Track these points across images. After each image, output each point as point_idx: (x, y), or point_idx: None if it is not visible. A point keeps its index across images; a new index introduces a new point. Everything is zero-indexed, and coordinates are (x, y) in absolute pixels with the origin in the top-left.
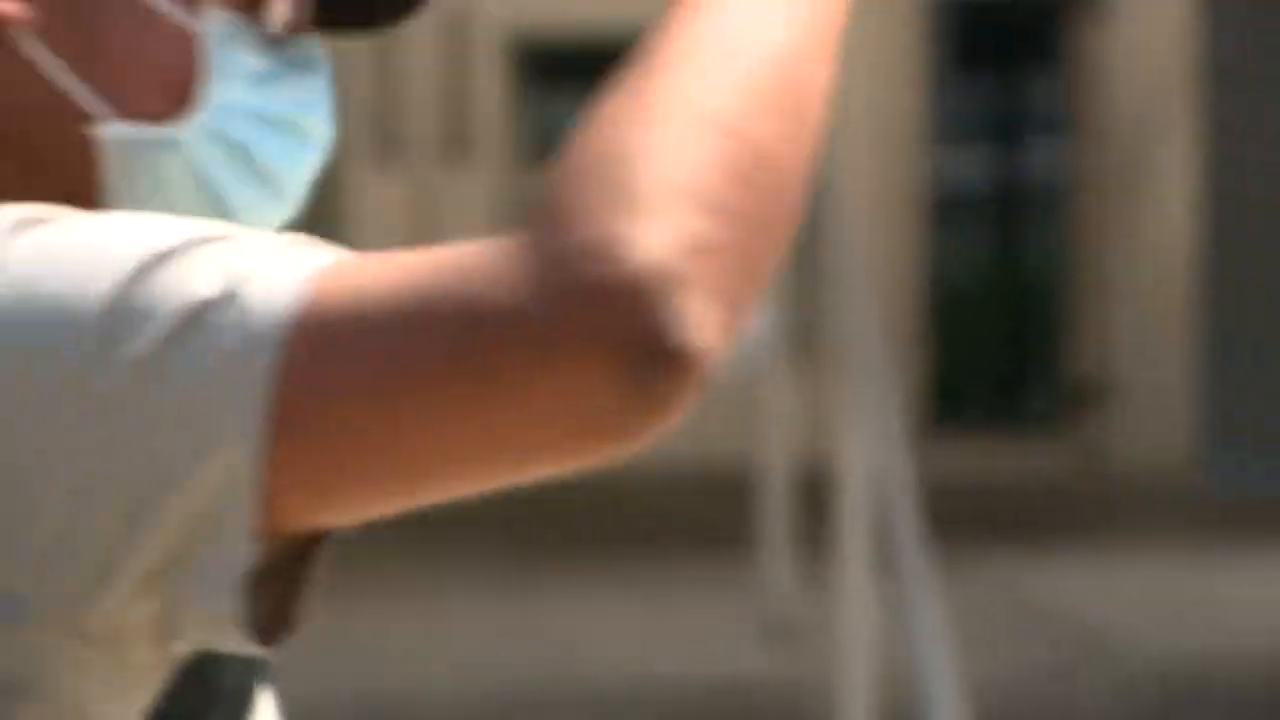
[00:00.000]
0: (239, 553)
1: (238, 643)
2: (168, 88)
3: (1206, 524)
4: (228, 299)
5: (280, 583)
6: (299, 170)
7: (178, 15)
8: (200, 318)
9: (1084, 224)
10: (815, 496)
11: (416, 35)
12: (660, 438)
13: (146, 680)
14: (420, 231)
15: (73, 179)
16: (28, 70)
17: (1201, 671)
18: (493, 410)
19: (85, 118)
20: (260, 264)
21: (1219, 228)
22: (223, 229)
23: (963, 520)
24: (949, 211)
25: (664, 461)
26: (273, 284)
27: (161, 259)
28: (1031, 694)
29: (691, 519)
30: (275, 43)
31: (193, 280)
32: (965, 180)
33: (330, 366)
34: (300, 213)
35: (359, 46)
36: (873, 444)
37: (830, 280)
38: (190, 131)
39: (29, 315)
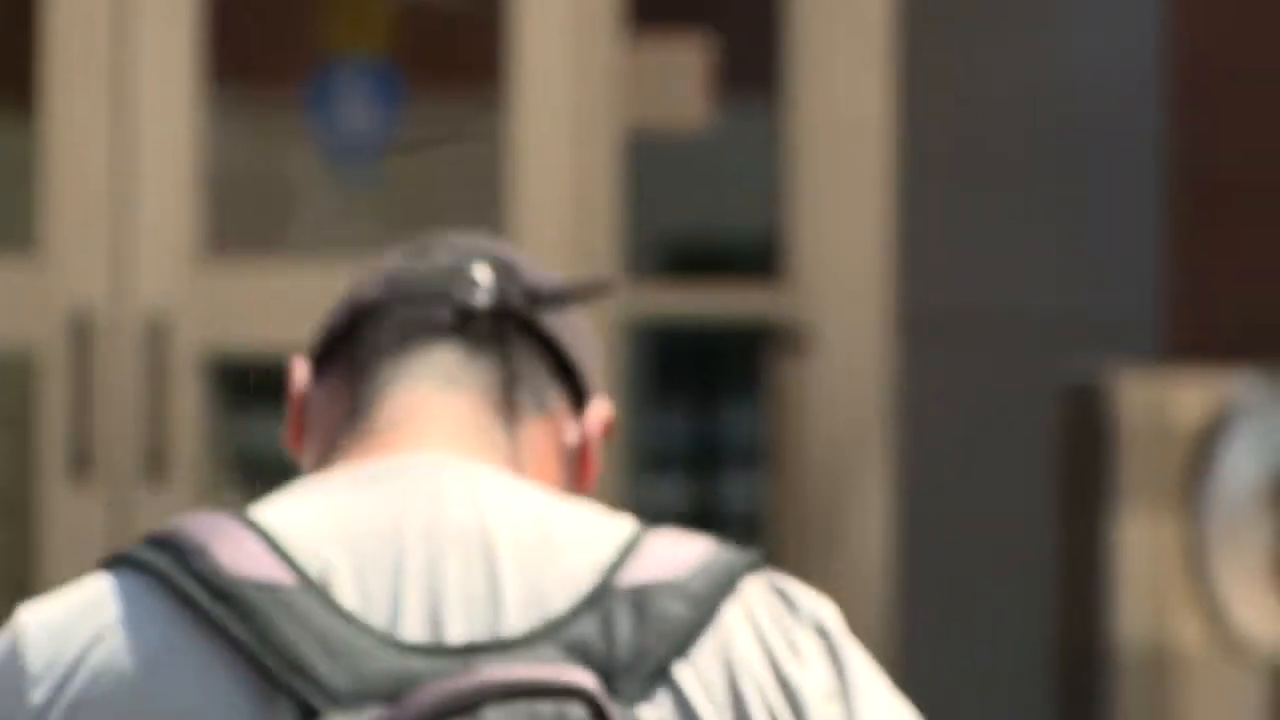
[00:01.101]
0: None
1: None
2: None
3: None
4: None
5: None
6: None
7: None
8: None
9: (781, 556)
10: None
11: (113, 350)
12: None
13: None
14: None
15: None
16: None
17: None
18: None
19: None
20: None
21: (912, 559)
22: None
23: None
24: None
25: None
26: None
27: None
28: None
29: None
30: None
31: None
32: (661, 508)
33: None
34: None
35: (54, 362)
36: None
37: None
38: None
39: None
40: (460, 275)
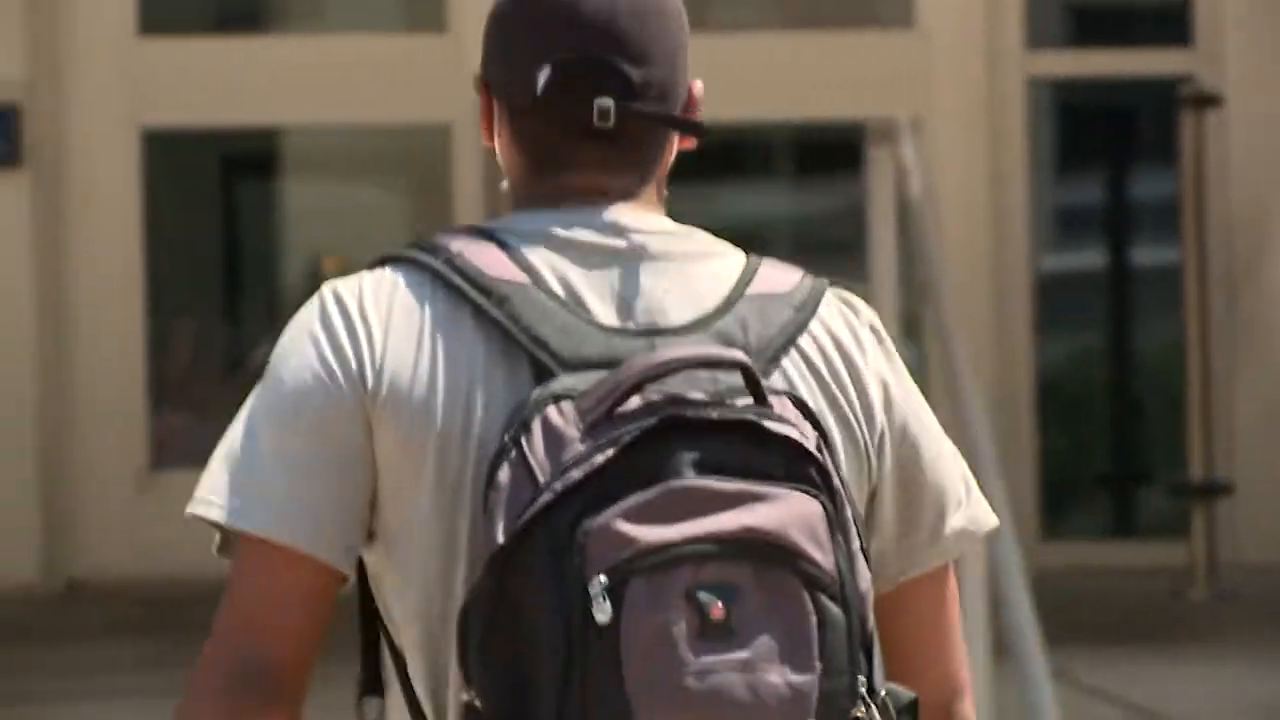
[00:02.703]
0: None
1: None
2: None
3: None
4: None
5: None
6: None
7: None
8: None
9: (1198, 318)
10: None
11: None
12: None
13: None
14: None
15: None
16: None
17: None
18: None
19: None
20: None
21: None
22: None
23: (1074, 624)
24: (1058, 309)
25: None
26: None
27: None
28: None
29: None
30: None
31: None
32: (1075, 277)
33: None
34: None
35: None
36: (986, 546)
37: (935, 379)
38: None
39: None
40: (600, 76)
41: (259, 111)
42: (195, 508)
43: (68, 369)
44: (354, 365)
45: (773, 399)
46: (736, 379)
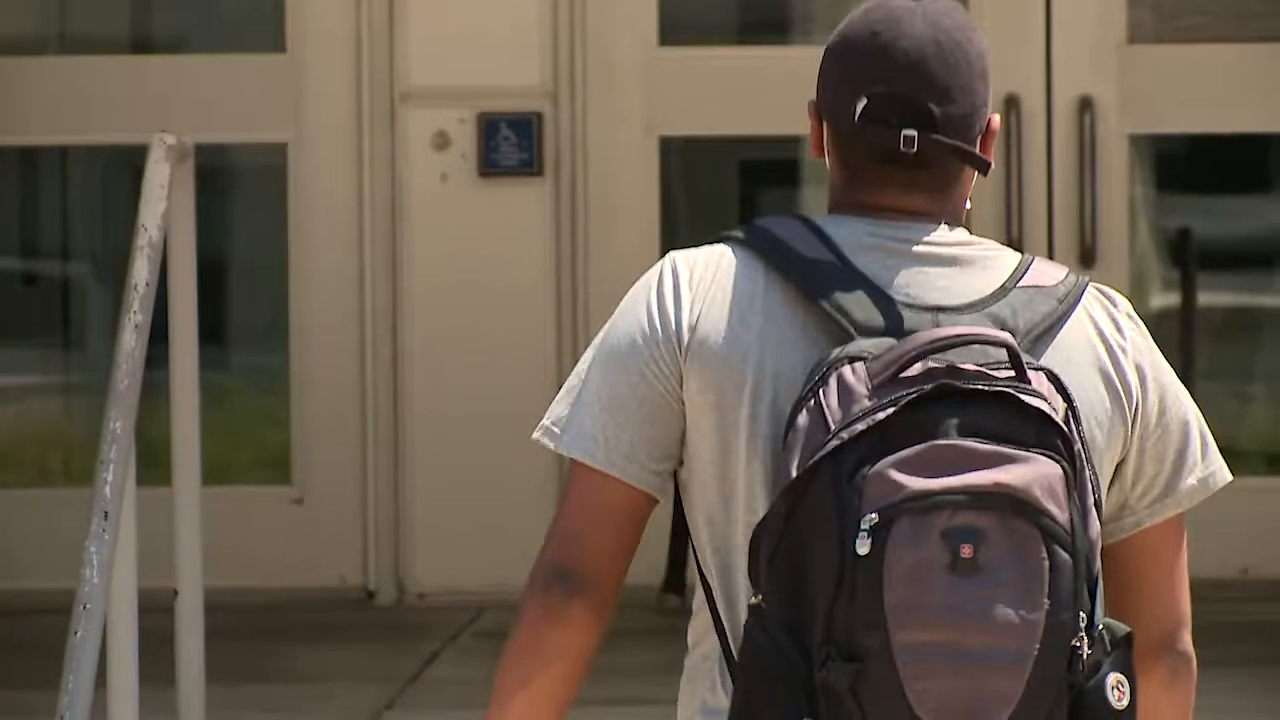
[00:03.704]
0: None
1: None
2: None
3: None
4: None
5: None
6: None
7: None
8: None
9: None
10: None
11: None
12: None
13: None
14: None
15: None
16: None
17: None
18: None
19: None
20: None
21: None
22: None
23: None
24: None
25: None
26: None
27: None
28: None
29: None
30: None
31: None
32: None
33: None
34: None
35: None
36: None
37: None
38: None
39: None
40: (907, 110)
41: (778, 121)
42: (537, 434)
43: None
44: (674, 325)
45: (1031, 374)
46: (1003, 354)
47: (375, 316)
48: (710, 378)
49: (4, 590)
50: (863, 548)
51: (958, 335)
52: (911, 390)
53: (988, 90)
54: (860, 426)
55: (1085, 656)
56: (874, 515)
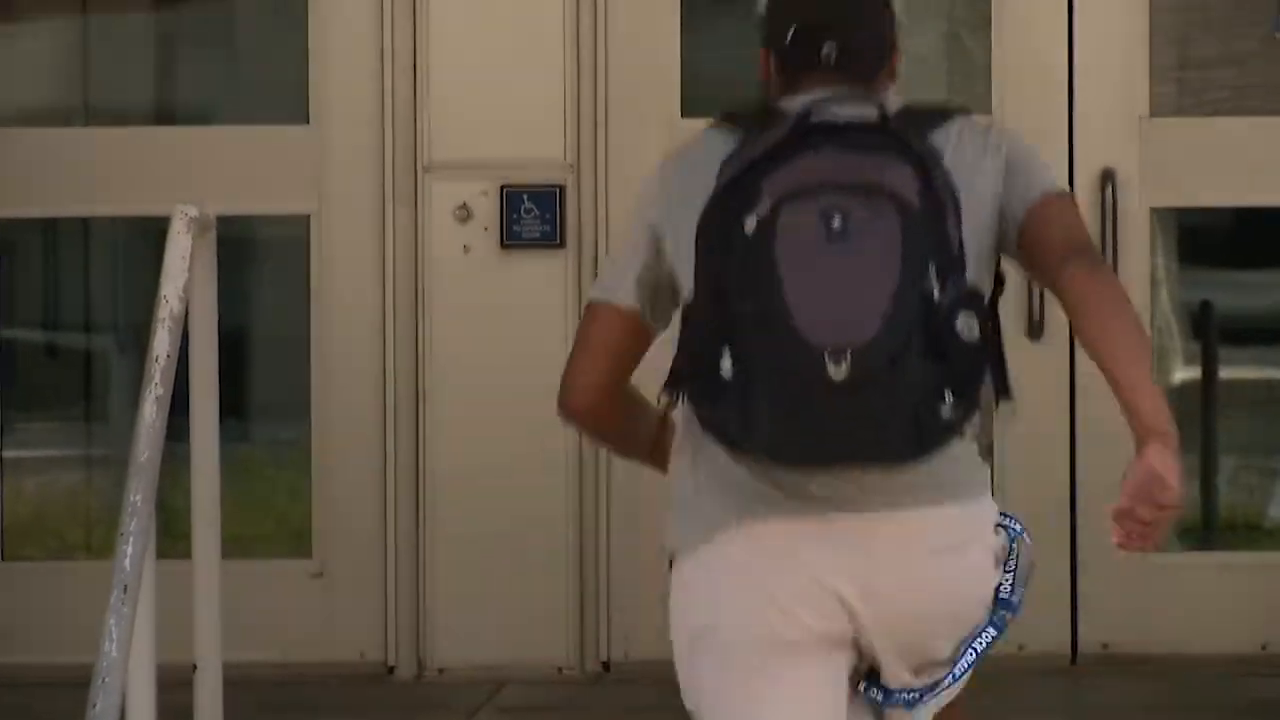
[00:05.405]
0: None
1: None
2: None
3: None
4: None
5: None
6: None
7: None
8: None
9: None
10: None
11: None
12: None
13: None
14: None
15: None
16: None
17: None
18: None
19: None
20: None
21: None
22: None
23: None
24: None
25: None
26: None
27: None
28: None
29: None
30: None
31: None
32: None
33: None
34: None
35: None
36: None
37: None
38: None
39: None
40: (826, 32)
41: None
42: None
43: (606, 454)
44: (660, 196)
45: (895, 125)
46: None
47: (397, 389)
48: (671, 227)
49: (24, 664)
50: (749, 226)
51: (838, 108)
52: (799, 127)
53: (893, 19)
54: (759, 151)
55: (938, 302)
56: (767, 204)
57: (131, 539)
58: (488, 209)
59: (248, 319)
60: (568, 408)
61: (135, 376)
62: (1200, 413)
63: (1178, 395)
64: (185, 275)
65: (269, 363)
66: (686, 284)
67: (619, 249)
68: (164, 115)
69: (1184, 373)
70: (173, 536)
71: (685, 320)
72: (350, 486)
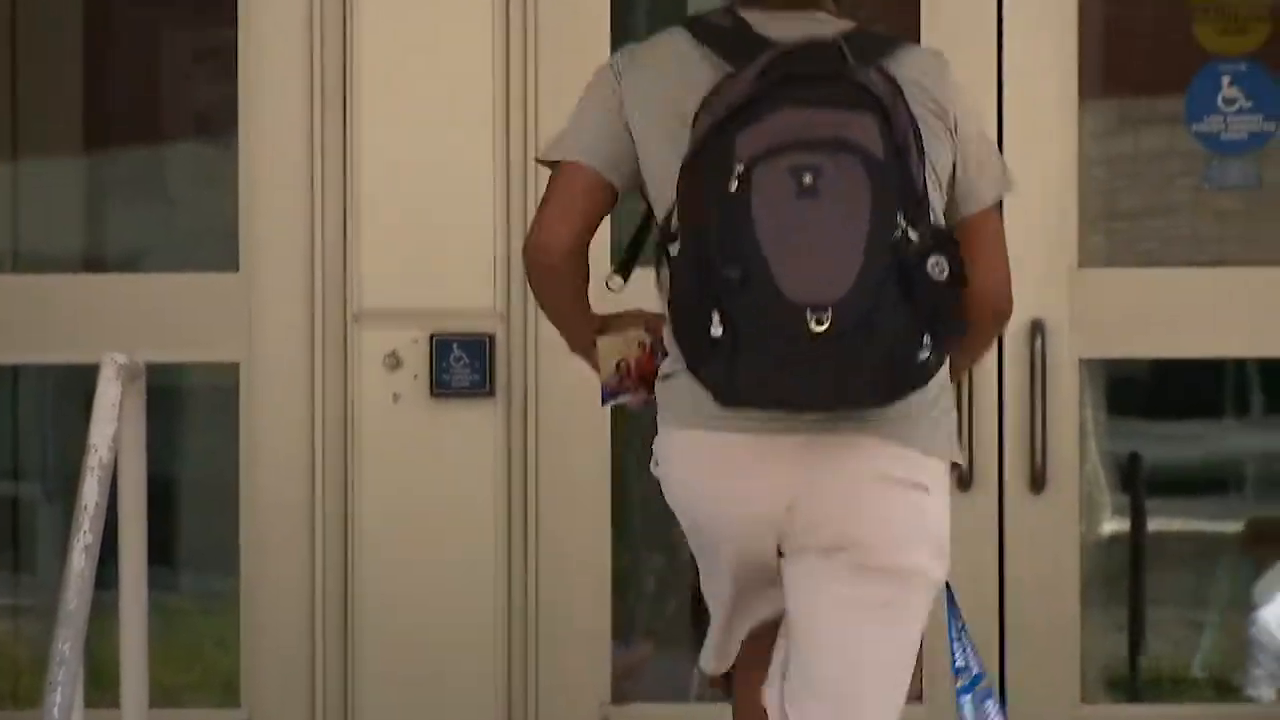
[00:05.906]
0: None
1: None
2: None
3: None
4: None
5: None
6: None
7: None
8: None
9: None
10: None
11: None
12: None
13: None
14: None
15: None
16: None
17: None
18: None
19: None
20: None
21: None
22: None
23: None
24: None
25: None
26: None
27: None
28: None
29: None
30: None
31: None
32: None
33: None
34: None
35: None
36: None
37: None
38: None
39: None
40: None
41: None
42: (540, 156)
43: (534, 600)
44: (618, 79)
45: (857, 68)
46: (839, 55)
47: (326, 537)
48: (637, 108)
49: None
50: (731, 186)
51: (798, 40)
52: (763, 82)
53: None
54: (735, 101)
55: (908, 246)
56: (741, 165)
57: (59, 688)
58: (418, 357)
59: (177, 467)
60: (544, 252)
61: (64, 525)
62: (1129, 565)
63: (1106, 547)
64: (114, 423)
65: (198, 511)
66: (656, 197)
67: (579, 117)
68: (93, 262)
69: (1112, 525)
70: (101, 686)
71: (674, 276)
72: (279, 635)
